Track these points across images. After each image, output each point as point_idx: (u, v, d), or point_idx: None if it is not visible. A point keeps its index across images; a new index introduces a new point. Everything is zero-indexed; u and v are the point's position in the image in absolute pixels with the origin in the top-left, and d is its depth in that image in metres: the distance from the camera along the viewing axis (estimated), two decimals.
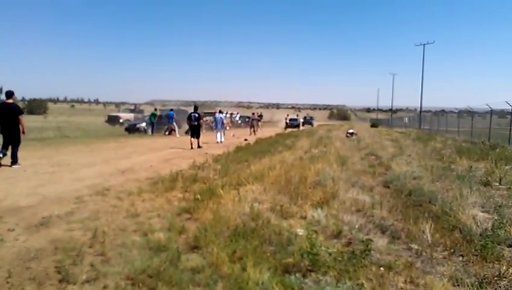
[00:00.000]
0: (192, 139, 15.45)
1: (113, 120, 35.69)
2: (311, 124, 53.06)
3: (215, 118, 20.67)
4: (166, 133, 24.43)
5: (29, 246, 3.85)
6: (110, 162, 10.37)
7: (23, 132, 9.38)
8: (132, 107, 43.84)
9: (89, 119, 43.95)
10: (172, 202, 5.86)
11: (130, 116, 36.72)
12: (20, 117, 9.23)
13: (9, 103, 9.31)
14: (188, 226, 4.52)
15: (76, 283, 3.08)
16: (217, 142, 18.39)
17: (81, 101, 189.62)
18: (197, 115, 15.90)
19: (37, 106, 63.37)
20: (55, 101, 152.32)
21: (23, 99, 71.82)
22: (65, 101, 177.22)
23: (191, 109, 17.37)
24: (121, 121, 34.38)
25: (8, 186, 6.85)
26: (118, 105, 70.97)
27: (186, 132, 19.41)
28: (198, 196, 5.79)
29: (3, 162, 9.02)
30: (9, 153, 9.04)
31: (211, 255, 3.56)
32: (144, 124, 25.55)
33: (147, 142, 17.75)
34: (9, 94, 9.35)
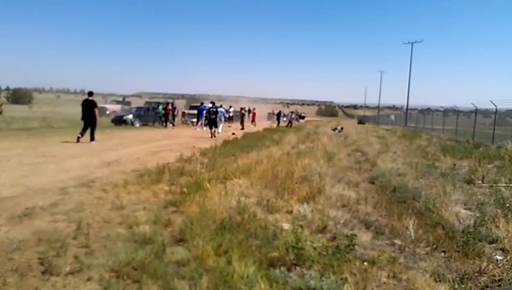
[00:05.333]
0: (212, 129, 18.38)
1: (99, 111, 35.07)
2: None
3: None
4: (205, 128, 23.99)
5: (11, 237, 3.79)
6: (96, 153, 10.23)
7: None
8: (120, 99, 43.17)
9: (75, 109, 42.89)
10: (159, 194, 5.82)
11: (117, 107, 36.16)
12: (95, 109, 12.92)
13: (90, 99, 12.96)
14: (174, 219, 4.51)
15: (59, 275, 3.04)
16: (218, 133, 20.17)
17: (67, 92, 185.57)
18: (215, 110, 18.83)
19: (22, 96, 61.93)
20: (41, 91, 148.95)
21: (7, 89, 70.08)
22: (51, 91, 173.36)
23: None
24: (107, 112, 33.87)
25: None
26: (104, 96, 69.78)
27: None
28: (185, 189, 5.77)
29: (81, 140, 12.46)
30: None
31: (197, 249, 3.56)
32: (130, 116, 25.25)
33: (133, 135, 17.57)
34: (91, 93, 13.12)
